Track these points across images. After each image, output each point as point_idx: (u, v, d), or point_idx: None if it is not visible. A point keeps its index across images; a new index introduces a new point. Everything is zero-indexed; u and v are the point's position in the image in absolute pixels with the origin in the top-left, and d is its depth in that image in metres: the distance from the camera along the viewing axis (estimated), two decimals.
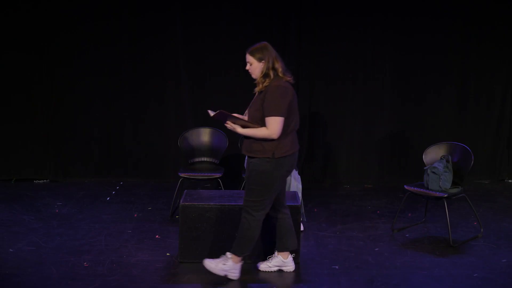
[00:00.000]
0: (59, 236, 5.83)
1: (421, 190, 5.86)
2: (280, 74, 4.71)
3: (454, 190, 5.81)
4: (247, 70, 4.80)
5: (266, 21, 7.85)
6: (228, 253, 4.85)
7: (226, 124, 4.73)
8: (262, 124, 4.66)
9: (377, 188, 7.80)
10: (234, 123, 4.69)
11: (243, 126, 4.70)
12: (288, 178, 5.90)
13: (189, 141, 6.88)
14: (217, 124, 7.44)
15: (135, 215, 6.52)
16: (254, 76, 4.77)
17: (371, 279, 4.92)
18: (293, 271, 5.05)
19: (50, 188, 7.56)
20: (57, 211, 6.62)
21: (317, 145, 8.05)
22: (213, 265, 4.85)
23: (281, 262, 5.07)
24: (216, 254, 5.15)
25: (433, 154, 6.14)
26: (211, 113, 4.69)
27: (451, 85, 8.03)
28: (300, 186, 6.03)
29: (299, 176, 6.07)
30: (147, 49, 7.81)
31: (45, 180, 7.92)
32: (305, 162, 8.06)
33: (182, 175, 6.46)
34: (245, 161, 6.32)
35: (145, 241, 5.72)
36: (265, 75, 4.69)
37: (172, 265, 5.17)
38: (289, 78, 4.74)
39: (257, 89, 4.75)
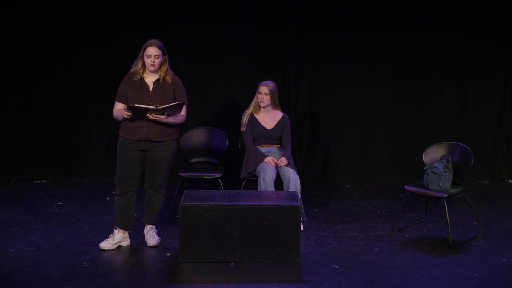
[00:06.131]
0: (59, 236, 5.82)
1: (421, 190, 5.86)
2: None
3: (454, 190, 5.80)
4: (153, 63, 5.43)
5: (266, 21, 7.85)
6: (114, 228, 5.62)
7: (150, 116, 5.30)
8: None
9: (377, 188, 7.80)
10: (154, 114, 5.29)
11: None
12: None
13: (189, 141, 6.88)
14: (217, 124, 7.45)
15: (135, 215, 6.50)
16: (155, 68, 5.45)
17: (371, 279, 4.92)
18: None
19: (50, 188, 7.56)
20: (57, 211, 6.62)
21: (317, 145, 8.05)
22: (108, 244, 5.48)
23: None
24: (216, 254, 5.15)
25: (433, 154, 6.14)
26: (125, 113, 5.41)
27: (451, 85, 8.03)
28: (299, 186, 6.01)
29: (297, 176, 6.06)
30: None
31: (45, 180, 7.91)
32: (305, 162, 8.06)
33: (182, 175, 6.46)
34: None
35: (145, 241, 5.71)
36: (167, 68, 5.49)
37: (172, 265, 5.17)
38: None
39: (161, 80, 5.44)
